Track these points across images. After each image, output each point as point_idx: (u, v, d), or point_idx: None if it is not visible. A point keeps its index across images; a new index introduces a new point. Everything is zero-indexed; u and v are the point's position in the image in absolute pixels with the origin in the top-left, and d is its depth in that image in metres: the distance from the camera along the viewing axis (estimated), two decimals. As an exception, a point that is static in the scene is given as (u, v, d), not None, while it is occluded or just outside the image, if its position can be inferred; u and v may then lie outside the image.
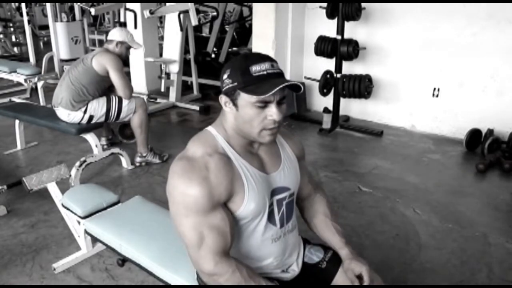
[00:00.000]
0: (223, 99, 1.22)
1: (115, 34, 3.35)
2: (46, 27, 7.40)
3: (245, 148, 1.27)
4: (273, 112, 1.16)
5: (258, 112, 1.16)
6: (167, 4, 4.99)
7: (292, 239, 1.37)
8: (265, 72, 1.14)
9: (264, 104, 1.15)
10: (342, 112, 4.56)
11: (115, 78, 3.23)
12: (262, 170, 1.27)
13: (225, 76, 1.19)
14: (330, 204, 1.51)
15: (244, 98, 1.16)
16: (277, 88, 1.11)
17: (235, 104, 1.19)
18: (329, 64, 4.36)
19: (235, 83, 1.16)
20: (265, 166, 1.30)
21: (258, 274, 1.22)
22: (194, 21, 4.78)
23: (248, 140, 1.25)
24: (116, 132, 3.95)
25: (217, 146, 1.23)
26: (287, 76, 4.86)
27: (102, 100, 3.27)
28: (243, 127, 1.20)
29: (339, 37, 4.19)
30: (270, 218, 1.28)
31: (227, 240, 1.18)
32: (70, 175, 2.92)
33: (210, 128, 1.28)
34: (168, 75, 5.07)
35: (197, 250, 1.17)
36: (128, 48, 3.40)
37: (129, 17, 5.32)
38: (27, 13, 6.92)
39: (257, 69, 1.14)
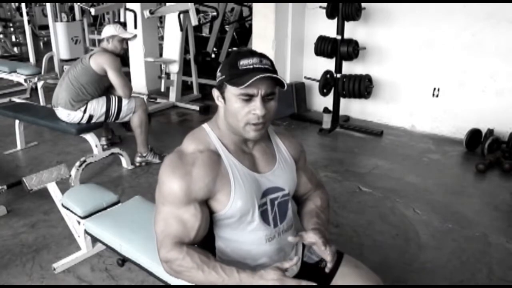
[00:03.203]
0: (215, 93, 1.25)
1: (105, 31, 3.36)
2: (46, 27, 7.39)
3: (238, 147, 1.28)
4: (256, 107, 1.17)
5: (242, 106, 1.18)
6: (167, 4, 4.99)
7: (287, 239, 1.37)
8: (251, 66, 1.16)
9: (249, 98, 1.17)
10: (342, 112, 4.56)
11: (114, 78, 3.23)
12: (253, 169, 1.28)
13: (218, 71, 1.23)
14: (327, 201, 1.49)
15: (230, 91, 1.19)
16: (253, 79, 1.12)
17: (223, 97, 1.22)
18: (329, 64, 4.36)
19: (223, 76, 1.20)
20: (258, 165, 1.31)
21: (214, 258, 1.20)
22: (194, 21, 4.78)
23: (240, 137, 1.26)
24: (116, 130, 3.95)
25: (209, 143, 1.26)
26: (287, 76, 4.88)
27: (102, 100, 3.27)
28: (231, 121, 1.22)
29: (339, 37, 4.19)
30: (264, 218, 1.29)
31: (189, 234, 1.20)
32: (70, 175, 2.92)
33: (205, 125, 1.31)
34: (168, 75, 5.07)
35: (158, 238, 1.22)
36: (121, 40, 3.36)
37: (129, 17, 5.32)
38: (27, 13, 6.92)
39: (244, 63, 1.17)
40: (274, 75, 1.16)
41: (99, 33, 9.27)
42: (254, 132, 1.21)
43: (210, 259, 1.19)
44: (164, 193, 1.22)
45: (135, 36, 3.50)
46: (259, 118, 1.18)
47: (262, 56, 1.20)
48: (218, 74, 1.22)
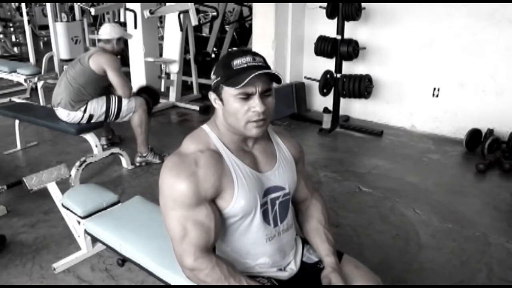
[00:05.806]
0: (212, 96, 1.25)
1: (110, 32, 3.28)
2: (46, 27, 7.39)
3: (238, 146, 1.28)
4: (255, 104, 1.17)
5: (241, 105, 1.18)
6: (167, 4, 5.00)
7: (286, 238, 1.36)
8: (245, 65, 1.17)
9: (247, 96, 1.17)
10: (342, 112, 4.56)
11: (113, 78, 3.22)
12: (254, 168, 1.28)
13: (212, 73, 1.23)
14: (326, 210, 1.49)
15: (227, 92, 1.19)
16: (250, 77, 1.13)
17: (221, 99, 1.22)
18: (329, 64, 4.36)
19: (219, 78, 1.20)
20: (259, 164, 1.30)
21: (239, 272, 1.22)
22: (194, 21, 4.78)
23: (240, 136, 1.26)
24: (116, 130, 3.95)
25: (210, 143, 1.25)
26: (287, 76, 4.88)
27: (102, 100, 3.27)
28: (231, 122, 1.22)
29: (339, 37, 4.19)
30: (265, 217, 1.29)
31: (210, 236, 1.20)
32: (70, 175, 2.92)
33: (204, 126, 1.31)
34: (168, 75, 5.07)
35: (180, 244, 1.20)
36: (124, 41, 3.43)
37: (129, 17, 5.32)
38: (27, 13, 6.92)
39: (238, 62, 1.17)
40: (271, 71, 1.17)
41: (99, 33, 9.28)
42: (256, 129, 1.21)
43: (236, 271, 1.20)
44: (172, 197, 1.19)
45: (132, 35, 3.57)
46: (259, 114, 1.18)
47: (254, 54, 1.20)
48: (213, 77, 1.22)
